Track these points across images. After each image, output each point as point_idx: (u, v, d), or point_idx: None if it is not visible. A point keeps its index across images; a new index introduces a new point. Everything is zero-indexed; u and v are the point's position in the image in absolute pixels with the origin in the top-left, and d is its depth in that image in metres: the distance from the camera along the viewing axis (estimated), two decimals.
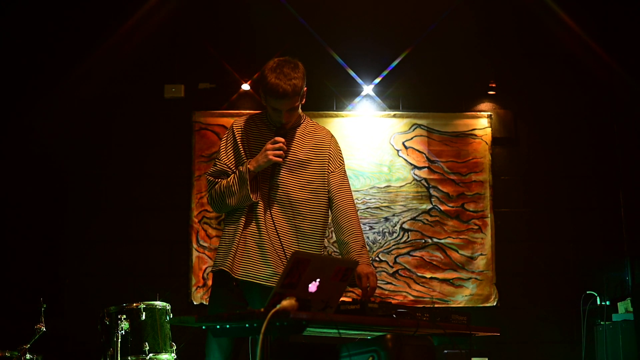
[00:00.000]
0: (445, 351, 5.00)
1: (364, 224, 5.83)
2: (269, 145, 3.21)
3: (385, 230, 5.85)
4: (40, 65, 5.85)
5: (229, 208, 3.31)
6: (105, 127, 5.90)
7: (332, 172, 3.44)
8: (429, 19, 6.02)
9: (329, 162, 3.43)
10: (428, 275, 5.81)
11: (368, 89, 6.01)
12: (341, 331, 2.56)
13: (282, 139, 3.23)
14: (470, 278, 5.83)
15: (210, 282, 5.66)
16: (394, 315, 2.68)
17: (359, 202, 5.84)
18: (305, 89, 3.30)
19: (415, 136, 5.99)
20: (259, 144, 3.33)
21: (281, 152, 3.21)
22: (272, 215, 3.26)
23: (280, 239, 3.24)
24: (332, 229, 3.50)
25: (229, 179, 3.28)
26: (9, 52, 5.86)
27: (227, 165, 3.33)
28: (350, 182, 5.67)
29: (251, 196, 3.21)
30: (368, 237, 5.82)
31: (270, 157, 3.20)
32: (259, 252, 3.23)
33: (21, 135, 5.78)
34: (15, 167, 5.75)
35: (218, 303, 3.26)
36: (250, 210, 3.28)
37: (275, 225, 3.25)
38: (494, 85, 6.04)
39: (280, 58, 3.28)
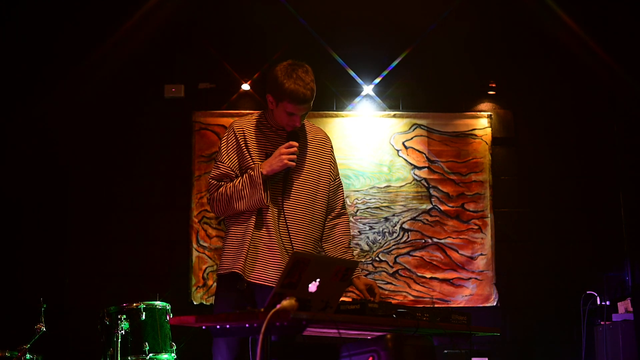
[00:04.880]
0: (445, 351, 5.00)
1: (363, 224, 5.83)
2: (283, 150, 3.20)
3: (385, 230, 5.85)
4: (41, 65, 5.85)
5: (234, 212, 3.29)
6: (105, 127, 5.90)
7: (334, 179, 3.48)
8: (429, 19, 6.02)
9: (330, 167, 3.45)
10: (428, 275, 5.81)
11: (368, 89, 6.01)
12: (341, 331, 2.56)
13: (296, 144, 3.23)
14: (470, 278, 5.83)
15: (210, 282, 5.66)
16: (394, 315, 2.68)
17: (359, 202, 5.85)
18: None
19: (415, 136, 5.99)
20: (263, 147, 3.31)
21: (295, 156, 3.21)
22: (283, 216, 3.26)
23: (291, 239, 3.24)
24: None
25: (235, 182, 3.25)
26: (9, 53, 5.86)
27: (230, 168, 3.30)
28: (350, 182, 5.70)
29: (264, 201, 3.21)
30: (368, 237, 5.82)
31: (286, 161, 3.19)
32: (269, 254, 3.22)
33: (22, 135, 5.78)
34: (16, 168, 5.75)
35: (227, 306, 3.24)
36: (258, 213, 3.27)
37: (287, 226, 3.25)
38: (494, 85, 6.04)
39: (288, 62, 3.26)
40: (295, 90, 3.18)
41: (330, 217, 3.47)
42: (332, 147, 3.52)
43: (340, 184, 3.52)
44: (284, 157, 3.19)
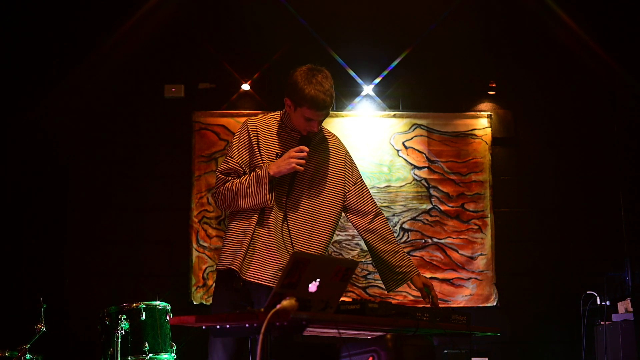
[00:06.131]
0: (445, 351, 5.01)
1: None
2: (293, 153, 3.19)
3: None
4: (41, 65, 5.85)
5: (238, 208, 3.29)
6: (105, 127, 5.90)
7: (355, 183, 3.47)
8: (429, 19, 6.02)
9: (344, 173, 3.44)
10: (428, 275, 5.81)
11: (368, 89, 6.01)
12: (341, 331, 2.56)
13: (307, 149, 3.22)
14: (470, 278, 5.83)
15: (210, 282, 5.66)
16: (394, 315, 2.68)
17: None
18: None
19: (415, 136, 5.99)
20: (275, 148, 3.31)
21: (304, 161, 3.21)
22: (285, 218, 3.26)
23: (292, 241, 3.24)
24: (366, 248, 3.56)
25: (242, 179, 3.25)
26: (9, 53, 5.86)
27: (239, 164, 3.30)
28: None
29: (268, 202, 3.22)
30: None
31: (294, 165, 3.18)
32: (268, 253, 3.22)
33: (22, 135, 5.78)
34: (16, 168, 5.76)
35: (223, 303, 3.25)
36: (261, 212, 3.27)
37: (289, 228, 3.25)
38: (494, 85, 6.04)
39: (308, 67, 3.29)
40: (315, 96, 3.20)
41: (367, 220, 3.48)
42: (346, 152, 3.50)
43: (362, 186, 3.49)
44: (292, 160, 3.19)
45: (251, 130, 3.33)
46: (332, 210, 3.38)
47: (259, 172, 3.21)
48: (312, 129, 3.28)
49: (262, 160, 3.29)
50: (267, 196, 3.19)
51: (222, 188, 3.29)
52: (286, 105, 3.30)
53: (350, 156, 3.52)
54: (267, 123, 3.37)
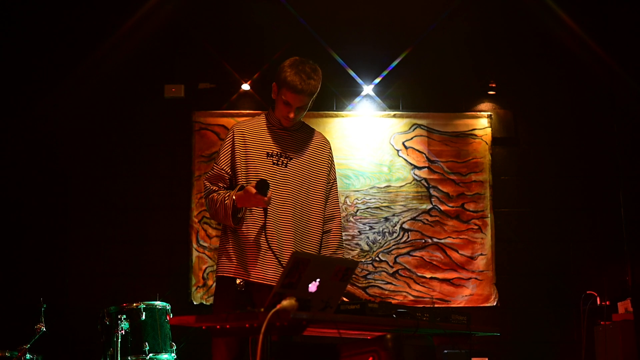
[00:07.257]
0: (445, 351, 5.01)
1: (363, 224, 5.83)
2: (255, 198, 3.14)
3: (385, 230, 5.85)
4: (41, 65, 5.85)
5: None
6: (105, 127, 5.90)
7: (329, 182, 3.50)
8: (429, 19, 6.02)
9: (328, 171, 3.49)
10: (428, 275, 5.81)
11: (368, 89, 6.01)
12: (341, 331, 2.56)
13: (268, 200, 3.16)
14: (470, 278, 5.83)
15: (210, 282, 5.66)
16: (394, 315, 2.68)
17: (359, 202, 5.84)
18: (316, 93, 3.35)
19: (415, 136, 5.99)
20: (264, 148, 3.35)
21: (267, 202, 3.19)
22: (278, 216, 3.27)
23: (289, 239, 3.25)
24: None
25: (219, 197, 3.27)
26: (9, 52, 5.86)
27: (224, 170, 3.36)
28: (350, 182, 5.71)
29: (233, 226, 3.27)
30: (368, 237, 5.82)
31: (254, 205, 3.20)
32: (268, 253, 3.23)
33: (22, 135, 5.78)
34: (16, 168, 5.75)
35: (224, 303, 3.26)
36: (250, 214, 3.28)
37: (284, 226, 3.26)
38: (494, 85, 6.04)
39: (300, 58, 3.35)
40: (293, 80, 3.26)
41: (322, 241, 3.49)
42: (330, 150, 3.54)
43: (333, 188, 3.53)
44: (254, 203, 3.17)
45: (237, 135, 3.38)
46: (320, 205, 3.42)
47: (227, 201, 3.22)
48: (289, 114, 3.30)
49: (251, 161, 3.31)
50: (232, 224, 3.24)
51: (206, 200, 3.36)
52: (272, 92, 3.38)
53: (332, 155, 3.56)
54: (253, 125, 3.42)
